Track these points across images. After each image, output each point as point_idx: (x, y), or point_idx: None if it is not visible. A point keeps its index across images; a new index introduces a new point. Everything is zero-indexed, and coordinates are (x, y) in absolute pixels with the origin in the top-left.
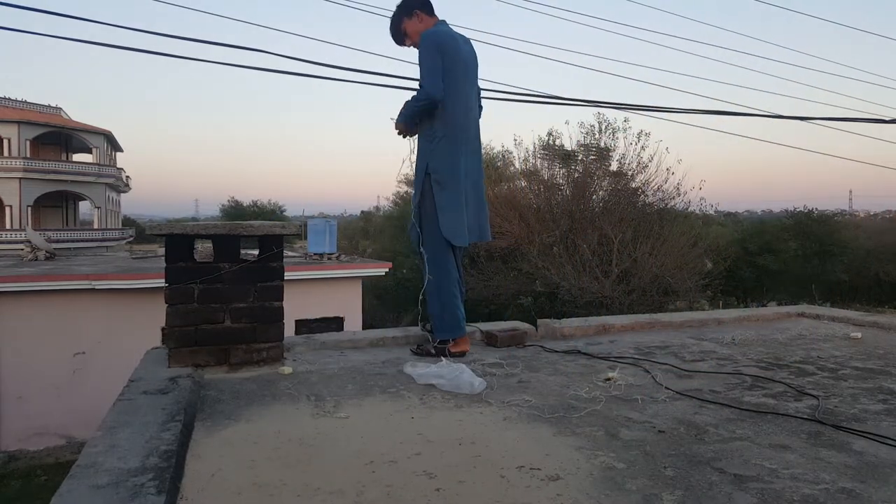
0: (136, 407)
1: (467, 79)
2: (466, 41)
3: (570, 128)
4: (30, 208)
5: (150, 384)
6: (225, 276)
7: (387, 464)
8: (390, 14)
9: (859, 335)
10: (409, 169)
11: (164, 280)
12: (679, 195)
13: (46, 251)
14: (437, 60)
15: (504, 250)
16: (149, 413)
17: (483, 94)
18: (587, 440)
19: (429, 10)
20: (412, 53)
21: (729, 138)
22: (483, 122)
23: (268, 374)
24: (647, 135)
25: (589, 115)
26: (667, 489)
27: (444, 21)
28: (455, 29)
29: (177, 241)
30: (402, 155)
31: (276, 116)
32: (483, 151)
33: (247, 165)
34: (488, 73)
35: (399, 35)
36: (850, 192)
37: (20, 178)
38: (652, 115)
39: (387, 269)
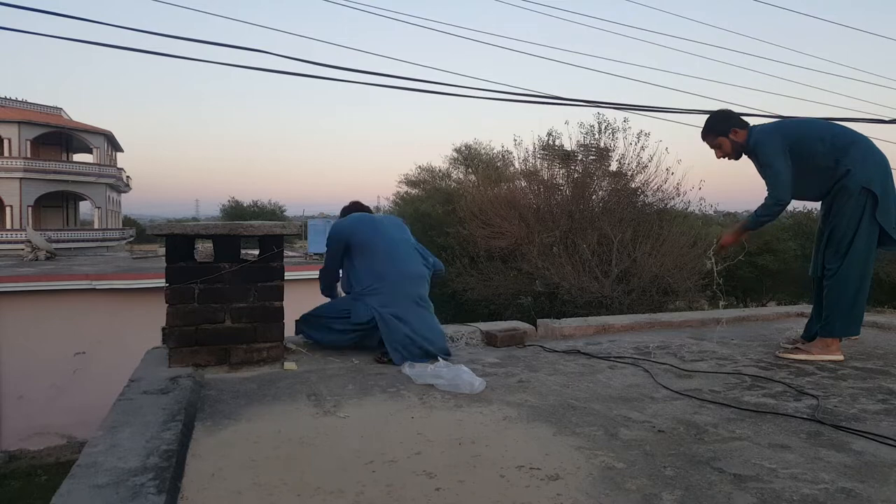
0: (136, 407)
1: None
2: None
3: (569, 128)
4: (30, 208)
5: (150, 384)
6: (225, 276)
7: (387, 463)
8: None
9: (857, 335)
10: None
11: (164, 280)
12: (679, 195)
13: (47, 251)
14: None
15: (504, 250)
16: (149, 413)
17: (481, 93)
18: (587, 440)
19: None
20: (411, 56)
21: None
22: (482, 123)
23: (268, 374)
24: (647, 135)
25: (589, 115)
26: (666, 489)
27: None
28: (455, 29)
29: (177, 241)
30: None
31: (277, 116)
32: (482, 151)
33: (247, 165)
34: (487, 73)
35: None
36: None
37: (20, 178)
38: (652, 115)
39: None
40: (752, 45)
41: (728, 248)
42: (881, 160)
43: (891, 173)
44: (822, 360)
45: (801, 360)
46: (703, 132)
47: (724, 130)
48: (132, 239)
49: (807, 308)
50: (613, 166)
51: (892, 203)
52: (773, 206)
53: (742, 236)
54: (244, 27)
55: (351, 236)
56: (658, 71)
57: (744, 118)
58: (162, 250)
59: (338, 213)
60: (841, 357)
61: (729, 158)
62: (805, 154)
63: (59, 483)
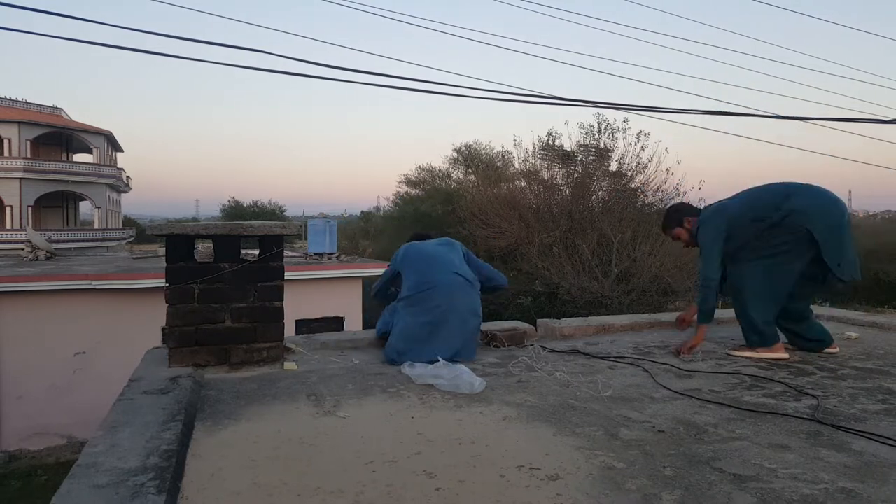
0: (136, 407)
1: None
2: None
3: (569, 128)
4: (30, 208)
5: (150, 384)
6: (225, 276)
7: (387, 463)
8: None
9: (857, 335)
10: None
11: (164, 280)
12: (679, 195)
13: (47, 251)
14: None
15: (504, 250)
16: (149, 413)
17: (481, 94)
18: (587, 440)
19: (693, 212)
20: (411, 56)
21: (729, 138)
22: (482, 123)
23: (268, 374)
24: (647, 135)
25: (588, 115)
26: (666, 489)
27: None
28: (455, 29)
29: (177, 241)
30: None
31: (277, 116)
32: (482, 151)
33: (247, 165)
34: (487, 73)
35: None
36: (850, 192)
37: (20, 179)
38: (651, 116)
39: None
40: (753, 45)
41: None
42: (826, 206)
43: (838, 217)
44: (767, 358)
45: (746, 357)
46: (662, 226)
47: (678, 221)
48: (132, 239)
49: None
50: (613, 166)
51: (838, 243)
52: (702, 286)
53: (705, 331)
54: (243, 27)
55: (401, 264)
56: (658, 71)
57: (694, 207)
58: (162, 250)
59: (337, 212)
60: (785, 356)
61: (690, 245)
62: (753, 223)
63: (59, 483)
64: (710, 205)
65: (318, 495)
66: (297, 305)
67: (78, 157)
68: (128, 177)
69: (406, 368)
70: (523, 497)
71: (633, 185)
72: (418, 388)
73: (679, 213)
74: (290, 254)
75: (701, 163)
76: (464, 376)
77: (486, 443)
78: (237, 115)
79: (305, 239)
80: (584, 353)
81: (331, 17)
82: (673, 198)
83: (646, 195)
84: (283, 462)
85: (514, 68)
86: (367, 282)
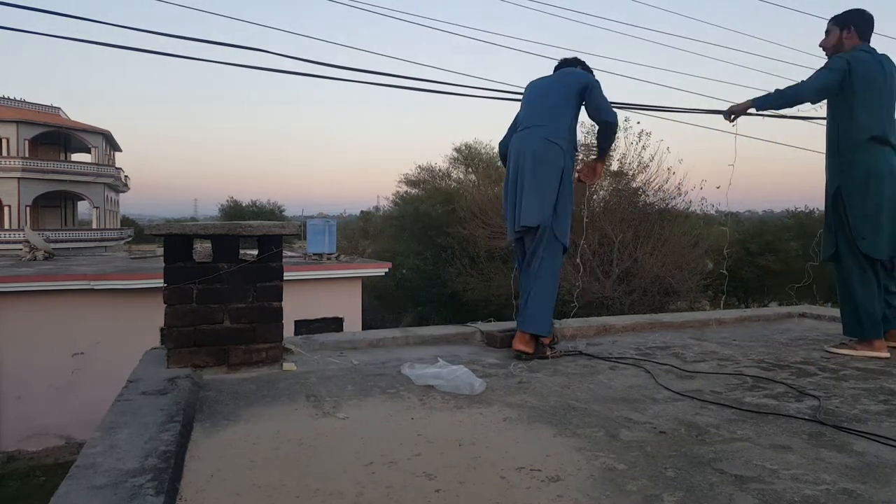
0: (134, 408)
1: None
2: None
3: None
4: (28, 208)
5: (148, 385)
6: (224, 277)
7: (386, 465)
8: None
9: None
10: None
11: (162, 280)
12: (680, 195)
13: (45, 251)
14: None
15: (504, 250)
16: (147, 414)
17: (483, 94)
18: (587, 441)
19: (864, 32)
20: (411, 56)
21: (729, 138)
22: (482, 123)
23: (267, 375)
24: (648, 134)
25: None
26: (667, 490)
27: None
28: (456, 28)
29: (176, 241)
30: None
31: (276, 116)
32: (482, 151)
33: (246, 165)
34: (489, 73)
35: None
36: None
37: (19, 178)
38: (652, 115)
39: (386, 270)
40: (753, 45)
41: (737, 116)
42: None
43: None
44: (865, 356)
45: (843, 355)
46: (834, 15)
47: (844, 24)
48: (130, 239)
49: (809, 309)
50: (614, 166)
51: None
52: (796, 88)
53: (747, 108)
54: (244, 26)
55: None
56: (658, 70)
57: (868, 32)
58: (160, 250)
59: (337, 212)
60: (886, 354)
61: (826, 52)
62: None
63: (57, 484)
64: (872, 55)
65: (318, 496)
66: (297, 306)
67: (76, 157)
68: (126, 176)
69: (406, 369)
70: (524, 498)
71: (634, 185)
72: (418, 389)
73: (854, 21)
74: (290, 254)
75: (702, 162)
76: (464, 377)
77: (486, 444)
78: (236, 115)
79: (304, 239)
80: (585, 354)
81: (330, 16)
82: (674, 197)
83: (647, 195)
84: (283, 463)
85: (514, 68)
86: (366, 282)
